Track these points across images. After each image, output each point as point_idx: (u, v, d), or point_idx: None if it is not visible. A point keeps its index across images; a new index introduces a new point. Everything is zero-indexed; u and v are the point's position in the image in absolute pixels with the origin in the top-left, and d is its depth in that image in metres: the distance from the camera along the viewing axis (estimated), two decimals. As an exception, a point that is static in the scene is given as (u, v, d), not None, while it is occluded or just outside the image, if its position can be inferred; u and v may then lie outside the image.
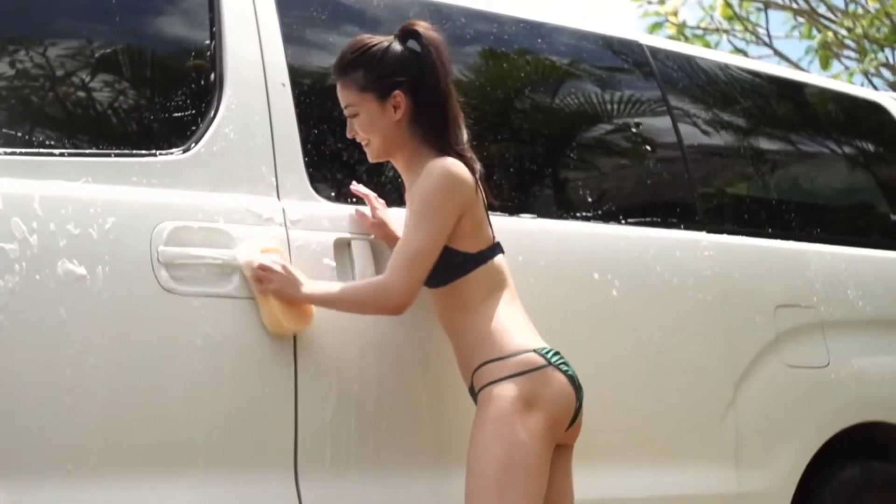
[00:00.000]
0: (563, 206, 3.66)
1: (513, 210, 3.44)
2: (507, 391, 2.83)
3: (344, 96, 3.02)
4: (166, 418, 2.76)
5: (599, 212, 3.65)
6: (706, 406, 3.68)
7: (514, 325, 2.93)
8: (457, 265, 2.94)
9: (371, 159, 3.07)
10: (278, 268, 2.84)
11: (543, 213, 3.54)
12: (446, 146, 2.98)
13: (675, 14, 11.96)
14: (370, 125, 3.00)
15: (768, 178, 4.33)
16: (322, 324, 2.96)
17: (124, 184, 2.83)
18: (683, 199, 3.91)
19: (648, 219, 3.75)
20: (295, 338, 2.92)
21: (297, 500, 2.88)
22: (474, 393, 2.93)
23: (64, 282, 2.67)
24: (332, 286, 2.92)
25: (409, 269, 2.87)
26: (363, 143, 3.05)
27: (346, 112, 3.03)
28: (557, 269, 3.40)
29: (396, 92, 2.97)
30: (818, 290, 4.00)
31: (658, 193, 3.93)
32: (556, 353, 2.92)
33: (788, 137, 4.55)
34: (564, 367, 2.91)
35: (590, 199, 3.68)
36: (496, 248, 3.01)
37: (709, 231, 3.83)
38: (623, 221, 3.66)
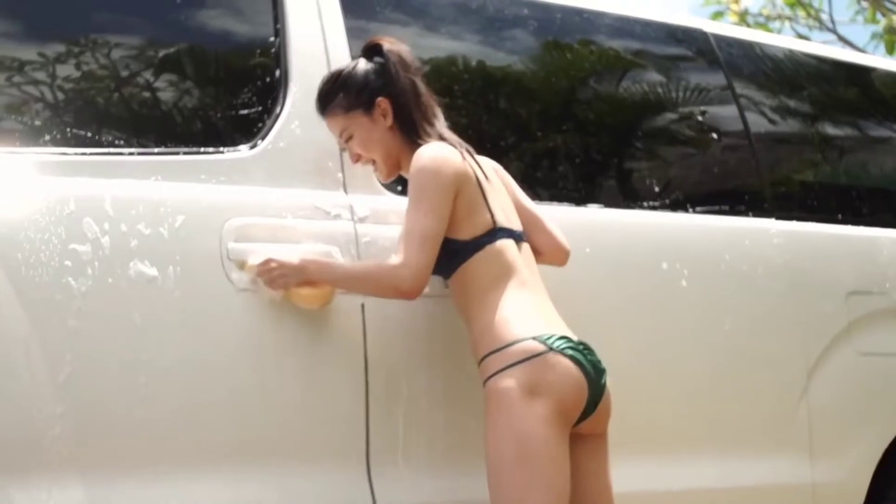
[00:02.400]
0: (630, 196, 3.64)
1: (580, 200, 3.43)
2: (507, 382, 2.80)
3: (334, 126, 3.03)
4: (241, 415, 2.78)
5: (667, 201, 3.62)
6: (778, 395, 3.65)
7: (515, 314, 2.87)
8: (453, 253, 2.92)
9: (384, 179, 3.08)
10: (276, 263, 2.83)
11: (610, 204, 3.52)
12: (440, 135, 3.01)
13: (737, 2, 11.87)
14: (367, 139, 3.01)
15: (837, 164, 4.29)
16: (391, 318, 2.97)
17: (193, 181, 2.85)
18: (751, 186, 3.87)
19: (716, 207, 3.73)
20: (365, 333, 2.92)
21: (369, 494, 2.89)
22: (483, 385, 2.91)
23: (136, 283, 2.69)
24: (340, 265, 2.91)
25: (416, 251, 2.85)
26: (372, 166, 3.06)
27: (340, 140, 3.04)
28: (626, 260, 3.38)
29: (380, 98, 3.01)
30: (891, 276, 3.95)
31: (726, 181, 3.90)
32: (563, 339, 2.86)
33: (856, 122, 4.49)
34: (570, 352, 2.84)
35: (657, 189, 3.66)
36: (497, 233, 2.96)
37: (778, 218, 3.80)
38: (691, 210, 3.64)
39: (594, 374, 2.87)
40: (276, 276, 2.83)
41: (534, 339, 2.84)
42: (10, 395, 2.54)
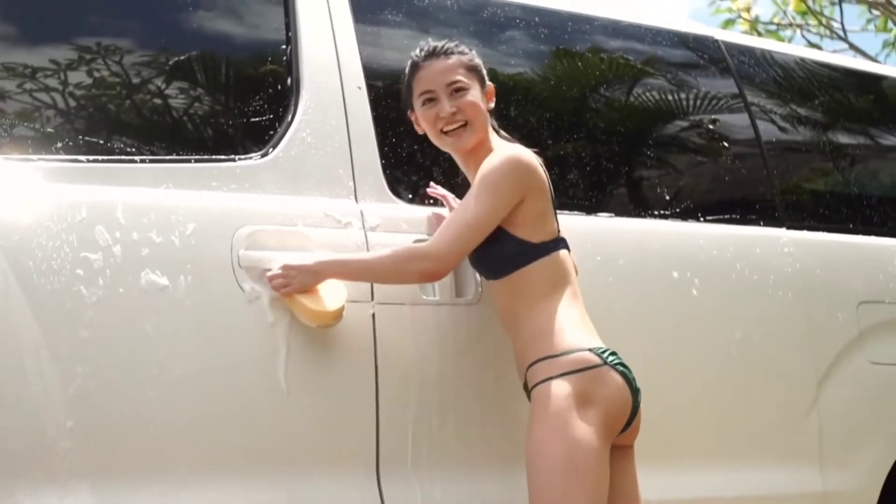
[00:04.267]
0: (641, 205, 3.64)
1: (591, 209, 3.43)
2: (561, 389, 2.81)
3: (452, 70, 3.01)
4: (252, 423, 2.78)
5: (678, 210, 3.62)
6: (789, 404, 3.65)
7: (570, 324, 2.90)
8: (518, 254, 2.92)
9: (463, 145, 3.01)
10: (288, 267, 2.82)
11: (622, 212, 3.53)
12: (512, 139, 3.06)
13: (748, 10, 11.87)
14: (477, 105, 3.01)
15: (848, 173, 4.28)
16: (401, 325, 2.97)
17: (204, 189, 2.85)
18: (763, 195, 3.87)
19: (727, 216, 3.72)
20: (375, 340, 2.93)
21: (379, 500, 2.89)
22: (528, 390, 2.92)
23: (147, 292, 2.69)
24: (359, 256, 2.91)
25: (455, 238, 2.86)
26: (456, 125, 3.00)
27: (451, 87, 3.00)
28: (636, 269, 3.38)
29: (490, 84, 3.07)
30: (902, 286, 3.95)
31: (737, 190, 3.90)
32: (613, 354, 2.89)
33: (867, 131, 4.49)
34: (621, 368, 2.88)
35: (668, 197, 3.66)
36: (560, 243, 2.99)
37: (789, 227, 3.80)
38: (702, 219, 3.63)
39: (634, 390, 2.90)
40: (290, 282, 2.81)
41: (590, 350, 2.86)
42: (21, 402, 2.54)
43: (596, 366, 2.84)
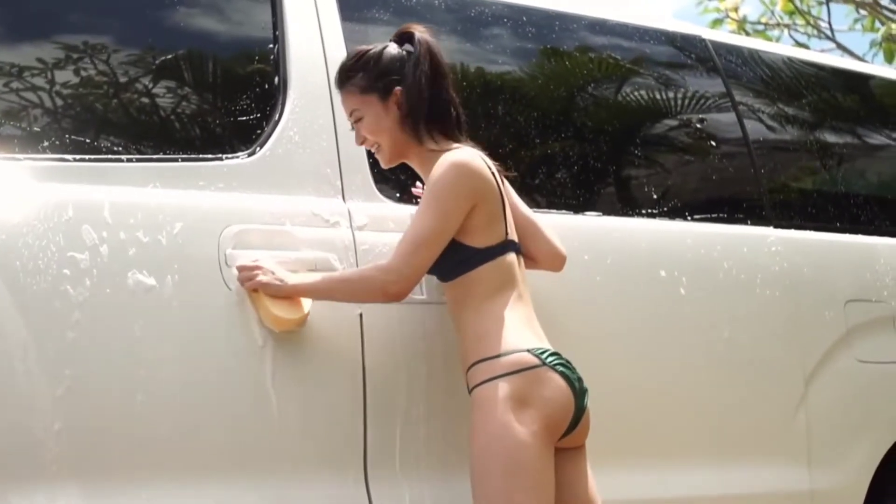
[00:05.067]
0: (628, 204, 3.64)
1: (578, 208, 3.43)
2: (498, 391, 2.79)
3: (347, 103, 3.03)
4: (239, 425, 2.77)
5: (665, 208, 3.63)
6: (777, 403, 3.65)
7: (512, 325, 2.87)
8: (464, 260, 2.91)
9: (384, 164, 3.06)
10: (261, 265, 2.81)
11: (609, 211, 3.53)
12: (454, 137, 3.00)
13: (736, 10, 11.87)
14: (376, 126, 3.00)
15: (835, 172, 4.29)
16: (389, 325, 2.97)
17: (191, 188, 2.85)
18: (750, 194, 3.88)
19: (715, 215, 3.72)
20: (363, 340, 2.92)
21: (367, 501, 2.88)
22: (469, 392, 2.89)
23: (134, 292, 2.68)
24: (324, 276, 2.88)
25: (411, 255, 2.85)
26: (373, 150, 3.04)
27: (350, 119, 3.03)
28: (624, 267, 3.38)
29: (397, 89, 2.99)
30: (889, 284, 3.95)
31: (724, 189, 3.91)
32: (554, 354, 2.86)
33: (854, 130, 4.50)
34: (561, 369, 2.85)
35: (655, 196, 3.66)
36: (508, 246, 2.96)
37: (776, 226, 3.80)
38: (689, 218, 3.64)
39: (578, 391, 2.87)
40: (255, 279, 2.79)
41: (528, 351, 2.84)
42: (9, 403, 2.54)
43: (534, 366, 2.82)
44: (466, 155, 2.93)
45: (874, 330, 3.88)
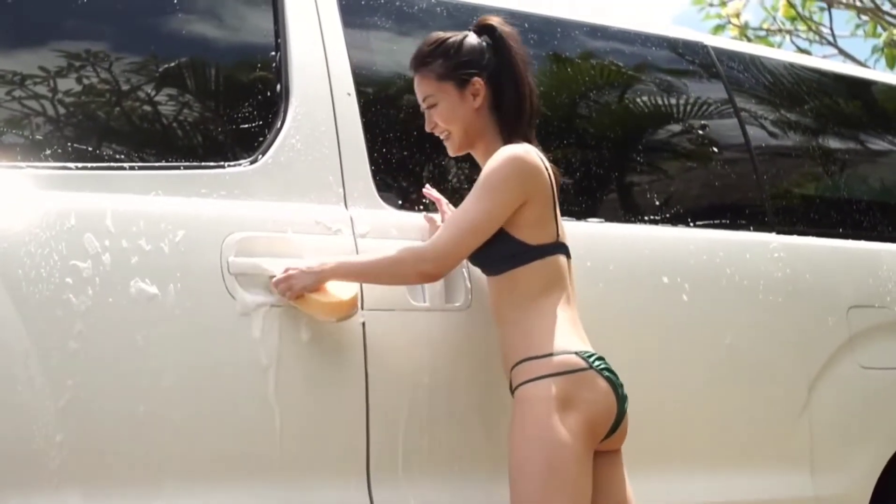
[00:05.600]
0: (631, 210, 3.64)
1: (581, 214, 3.43)
2: (543, 390, 2.80)
3: (422, 88, 3.04)
4: (242, 430, 2.77)
5: (668, 215, 3.62)
6: (780, 409, 3.65)
7: (559, 326, 2.88)
8: (514, 255, 2.92)
9: (452, 152, 3.07)
10: (291, 271, 2.82)
11: (612, 218, 3.53)
12: (525, 135, 3.01)
13: (738, 16, 11.87)
14: (450, 114, 3.01)
15: (837, 178, 4.29)
16: (392, 331, 2.97)
17: (194, 196, 2.85)
18: (752, 200, 3.88)
19: (717, 221, 3.73)
20: (365, 346, 2.92)
21: (369, 507, 2.89)
22: (512, 390, 2.91)
23: (137, 301, 2.69)
24: (360, 257, 2.90)
25: (454, 239, 2.86)
26: (443, 137, 3.05)
27: (424, 104, 3.04)
28: (627, 274, 3.38)
29: (475, 79, 3.00)
30: (892, 290, 3.95)
31: (726, 195, 3.90)
32: (600, 359, 2.88)
33: (857, 136, 4.50)
34: (607, 374, 2.87)
35: (658, 203, 3.66)
36: (560, 247, 2.98)
37: (778, 232, 3.80)
38: (692, 224, 3.64)
39: (620, 396, 2.89)
40: (293, 283, 2.80)
41: (576, 353, 2.85)
42: (11, 413, 2.53)
43: (581, 369, 2.83)
44: (524, 149, 2.94)
45: (877, 336, 3.88)
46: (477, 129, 3.02)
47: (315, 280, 2.82)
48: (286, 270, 2.82)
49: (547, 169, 2.97)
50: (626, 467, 3.01)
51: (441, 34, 3.06)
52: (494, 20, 3.07)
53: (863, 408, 3.83)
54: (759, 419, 3.60)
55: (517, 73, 3.03)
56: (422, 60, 3.03)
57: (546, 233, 2.95)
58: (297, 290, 2.81)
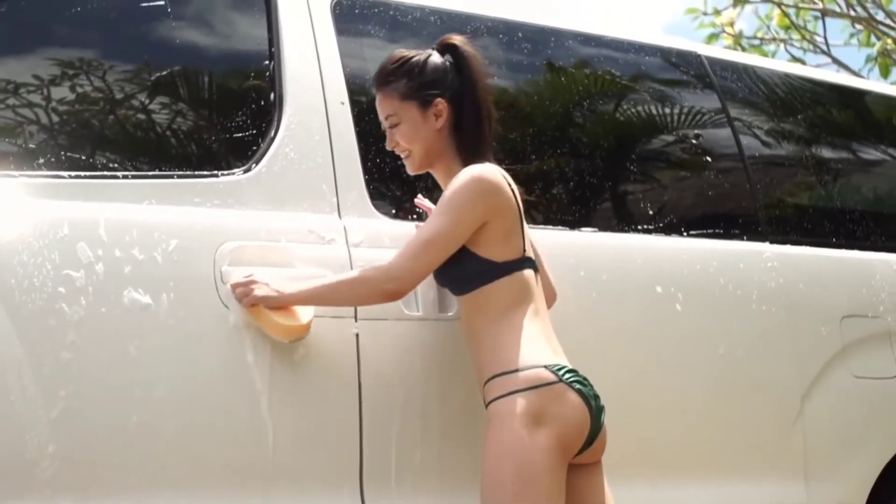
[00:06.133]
0: (624, 220, 3.64)
1: (574, 224, 3.43)
2: (513, 406, 2.79)
3: (385, 106, 3.04)
4: (235, 440, 2.77)
5: (661, 224, 3.62)
6: (774, 419, 3.65)
7: (529, 340, 2.87)
8: (481, 272, 2.91)
9: (411, 171, 3.08)
10: (255, 279, 2.80)
11: (605, 227, 3.53)
12: (485, 155, 3.00)
13: (732, 25, 11.89)
14: (412, 134, 3.01)
15: (831, 188, 4.29)
16: (385, 341, 2.97)
17: (187, 205, 2.85)
18: (745, 210, 3.88)
19: (711, 231, 3.73)
20: (359, 356, 2.92)
21: (362, 517, 2.89)
22: (486, 406, 2.90)
23: (130, 311, 2.68)
24: (321, 282, 2.87)
25: (416, 256, 2.85)
26: (403, 155, 3.06)
27: (386, 123, 3.04)
28: (620, 284, 3.38)
29: (438, 100, 3.00)
30: (885, 300, 3.95)
31: (720, 205, 3.90)
32: (571, 371, 2.86)
33: (850, 146, 4.50)
34: (578, 386, 2.85)
35: (651, 212, 3.66)
36: (525, 262, 2.96)
37: (772, 242, 3.80)
38: (685, 234, 3.64)
39: (595, 409, 2.87)
40: (252, 290, 2.78)
41: (545, 367, 2.84)
42: (3, 424, 2.53)
43: (550, 383, 2.82)
44: (487, 169, 2.94)
45: (870, 346, 3.88)
46: (437, 150, 3.03)
47: (276, 302, 2.80)
48: (248, 277, 2.80)
49: (510, 185, 2.96)
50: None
51: (404, 52, 3.06)
52: (457, 39, 3.07)
53: (856, 417, 3.83)
54: (753, 428, 3.59)
55: (478, 96, 3.03)
56: (385, 79, 3.03)
57: (511, 249, 2.94)
58: (252, 299, 2.78)
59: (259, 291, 2.79)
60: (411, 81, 3.00)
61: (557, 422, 2.80)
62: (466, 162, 2.98)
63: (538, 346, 2.88)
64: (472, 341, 2.95)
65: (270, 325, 2.81)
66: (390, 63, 3.04)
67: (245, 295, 2.79)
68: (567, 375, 2.84)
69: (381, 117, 3.06)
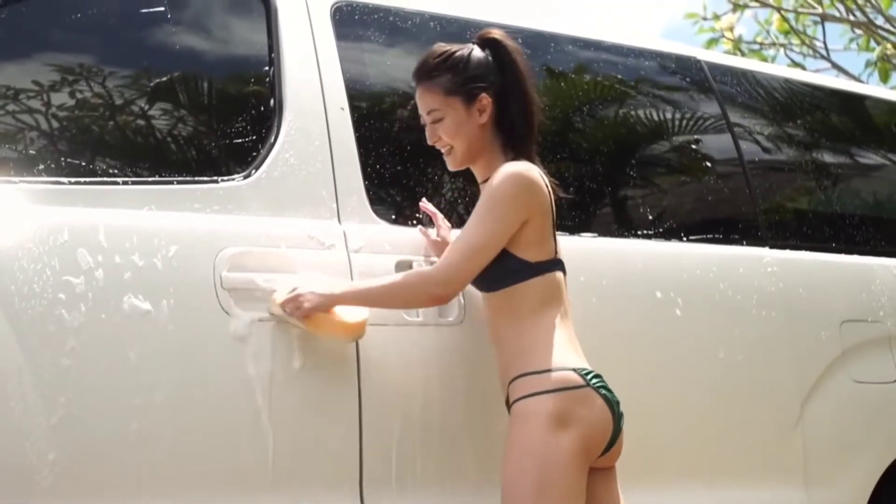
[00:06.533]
0: (624, 225, 3.64)
1: (574, 229, 3.43)
2: (540, 406, 2.80)
3: (428, 101, 3.01)
4: (235, 446, 2.77)
5: (661, 229, 3.63)
6: (773, 424, 3.65)
7: (557, 343, 2.88)
8: (514, 271, 2.91)
9: (452, 167, 3.05)
10: (301, 290, 2.80)
11: (605, 232, 3.53)
12: (528, 152, 3.00)
13: (731, 30, 11.89)
14: (456, 129, 2.99)
15: (830, 192, 4.29)
16: (385, 346, 2.97)
17: (187, 211, 2.85)
18: (745, 214, 3.88)
19: (710, 235, 3.73)
20: (359, 361, 2.92)
21: (363, 523, 2.89)
22: (509, 405, 2.91)
23: (130, 317, 2.68)
24: (370, 282, 2.88)
25: (461, 261, 2.85)
26: (444, 150, 3.04)
27: (428, 118, 3.01)
28: (620, 289, 3.39)
29: (483, 95, 2.99)
30: (885, 304, 3.95)
31: (720, 210, 3.91)
32: (597, 377, 2.87)
33: (850, 151, 4.51)
34: (604, 392, 2.86)
35: (651, 217, 3.67)
36: (557, 264, 2.98)
37: (772, 247, 3.80)
38: (685, 239, 3.64)
39: (616, 415, 2.88)
40: (304, 304, 2.79)
41: (574, 370, 2.84)
42: (4, 427, 2.53)
43: (578, 386, 2.83)
44: (525, 167, 2.93)
45: (870, 350, 3.88)
46: (480, 146, 3.01)
47: (325, 303, 2.81)
48: (294, 290, 2.80)
49: (547, 186, 2.97)
50: (620, 482, 3.01)
51: (446, 46, 3.04)
52: (497, 34, 3.06)
53: (856, 422, 3.83)
54: (753, 433, 3.59)
55: (523, 89, 3.02)
56: (428, 73, 3.01)
57: (545, 250, 2.95)
58: (305, 311, 2.79)
59: (310, 303, 2.79)
60: (456, 76, 2.98)
61: (583, 424, 2.81)
62: (509, 158, 2.97)
63: (566, 348, 2.89)
64: (498, 339, 2.95)
65: (329, 329, 2.82)
66: (433, 57, 3.02)
67: (298, 308, 2.79)
68: (594, 380, 2.86)
69: (423, 112, 3.03)
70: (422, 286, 2.86)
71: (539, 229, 2.93)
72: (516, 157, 2.97)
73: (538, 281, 2.92)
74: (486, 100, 2.99)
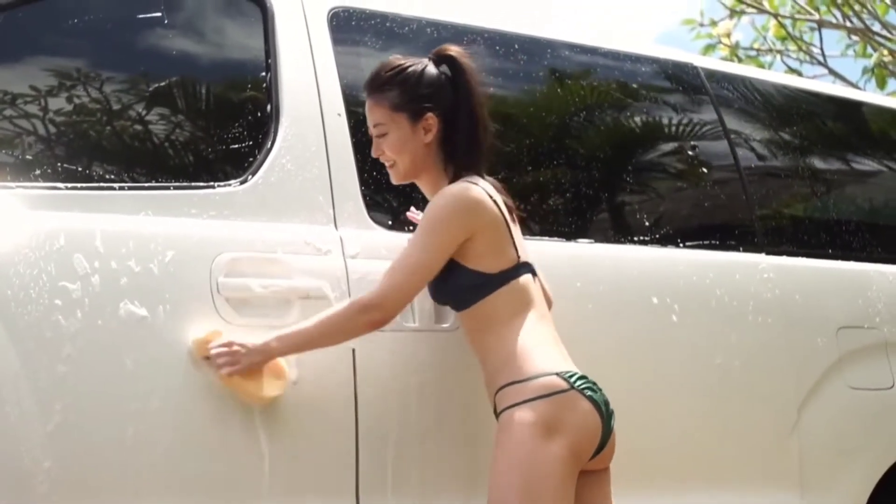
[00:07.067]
0: (620, 231, 3.64)
1: (570, 235, 3.43)
2: (526, 415, 2.78)
3: (375, 115, 3.01)
4: (231, 454, 2.77)
5: (657, 236, 3.63)
6: (770, 430, 3.64)
7: (537, 348, 2.87)
8: (478, 286, 2.90)
9: (395, 181, 3.05)
10: (236, 346, 2.74)
11: (601, 239, 3.53)
12: (477, 168, 2.99)
13: (728, 36, 11.89)
14: (399, 145, 2.99)
15: (827, 199, 4.29)
16: (381, 353, 2.96)
17: (183, 216, 2.85)
18: (742, 221, 3.88)
19: (707, 242, 3.73)
20: (355, 367, 2.92)
21: (359, 531, 2.88)
22: (497, 415, 2.89)
23: (126, 323, 2.68)
24: (303, 326, 2.81)
25: (397, 284, 2.83)
26: (388, 164, 3.04)
27: (374, 131, 3.02)
28: (616, 295, 3.38)
29: (429, 114, 2.98)
30: (881, 311, 3.95)
31: (716, 216, 3.91)
32: (582, 378, 2.85)
33: (846, 157, 4.51)
34: (590, 393, 2.84)
35: (647, 224, 3.66)
36: (521, 268, 2.95)
37: (768, 253, 3.80)
38: (681, 245, 3.64)
39: (606, 415, 2.87)
40: (239, 359, 2.73)
41: (557, 374, 2.83)
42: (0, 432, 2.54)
43: (563, 391, 2.81)
44: (463, 189, 2.91)
45: (866, 357, 3.88)
46: (423, 163, 3.01)
47: (262, 359, 2.77)
48: (230, 344, 2.74)
49: (492, 197, 2.94)
50: (616, 488, 3.00)
51: (400, 60, 3.03)
52: (454, 51, 3.04)
53: (852, 428, 3.83)
54: (749, 439, 3.59)
55: (473, 110, 3.00)
56: (378, 86, 3.00)
57: (505, 258, 2.93)
58: (238, 368, 2.73)
59: (246, 359, 2.73)
60: (404, 93, 2.98)
61: (570, 429, 2.79)
62: (454, 176, 2.97)
63: (547, 352, 2.87)
64: (480, 352, 2.94)
65: (247, 395, 2.77)
66: (385, 70, 3.02)
67: (230, 364, 2.73)
68: (578, 382, 2.84)
69: (370, 124, 3.03)
70: (356, 316, 2.81)
71: (490, 242, 2.91)
72: (460, 176, 2.96)
73: (505, 290, 2.91)
74: (432, 119, 2.98)
